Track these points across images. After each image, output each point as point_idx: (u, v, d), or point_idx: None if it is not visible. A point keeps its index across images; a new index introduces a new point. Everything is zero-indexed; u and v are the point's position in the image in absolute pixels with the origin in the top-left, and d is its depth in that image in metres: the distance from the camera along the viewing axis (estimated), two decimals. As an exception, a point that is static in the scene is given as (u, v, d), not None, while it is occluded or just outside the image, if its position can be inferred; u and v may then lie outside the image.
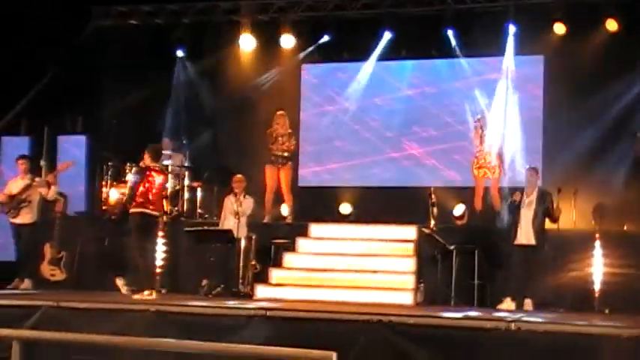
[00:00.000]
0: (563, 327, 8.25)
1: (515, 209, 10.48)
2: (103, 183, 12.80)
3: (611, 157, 12.42)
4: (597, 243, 10.45)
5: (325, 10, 13.75)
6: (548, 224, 10.73)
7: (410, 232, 11.38)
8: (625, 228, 11.34)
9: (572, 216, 11.71)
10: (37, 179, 11.81)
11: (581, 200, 11.94)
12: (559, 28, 12.84)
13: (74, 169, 12.19)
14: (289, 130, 12.60)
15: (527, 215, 10.41)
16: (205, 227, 11.87)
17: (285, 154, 12.44)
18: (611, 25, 12.57)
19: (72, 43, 13.77)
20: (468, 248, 10.81)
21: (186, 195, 12.90)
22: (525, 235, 10.40)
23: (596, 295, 10.28)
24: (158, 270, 11.35)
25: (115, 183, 12.44)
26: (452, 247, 10.83)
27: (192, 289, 11.32)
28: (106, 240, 12.06)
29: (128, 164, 12.60)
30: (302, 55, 14.19)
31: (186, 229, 11.90)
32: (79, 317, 9.06)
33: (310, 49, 14.09)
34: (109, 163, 12.52)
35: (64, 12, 13.42)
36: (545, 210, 10.50)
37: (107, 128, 13.91)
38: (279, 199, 12.68)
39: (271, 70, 14.22)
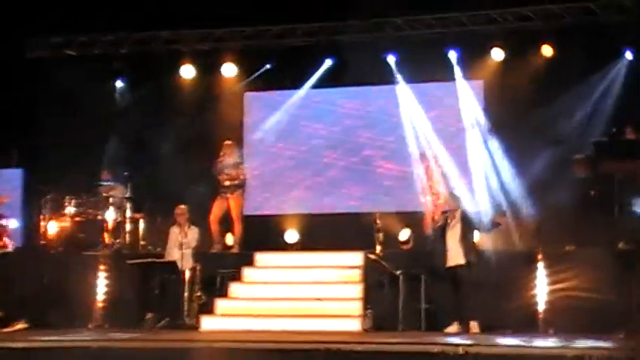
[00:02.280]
0: (508, 349, 8.28)
1: (441, 234, 10.55)
2: (41, 217, 12.58)
3: (552, 179, 12.48)
4: (540, 264, 10.53)
5: (266, 39, 13.82)
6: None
7: (356, 258, 11.32)
8: (566, 248, 11.34)
9: (514, 237, 11.81)
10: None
11: (523, 221, 12.12)
12: (497, 54, 13.09)
13: (9, 204, 12.02)
14: (238, 160, 12.51)
15: (453, 237, 10.46)
16: (149, 259, 11.66)
17: (236, 182, 12.31)
18: (547, 50, 12.85)
19: (5, 76, 13.57)
20: (415, 273, 10.76)
21: (129, 227, 12.71)
22: (454, 257, 10.43)
23: (541, 315, 10.42)
24: (100, 304, 11.33)
25: (53, 216, 12.26)
26: (398, 273, 10.77)
27: (135, 322, 11.09)
28: (44, 276, 11.70)
29: (67, 197, 12.50)
30: (244, 83, 14.24)
31: (129, 261, 11.65)
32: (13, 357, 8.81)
33: (252, 77, 14.14)
34: (47, 197, 12.35)
35: None
36: (470, 227, 10.54)
37: (45, 161, 13.73)
38: (226, 230, 12.55)
39: (213, 99, 14.23)
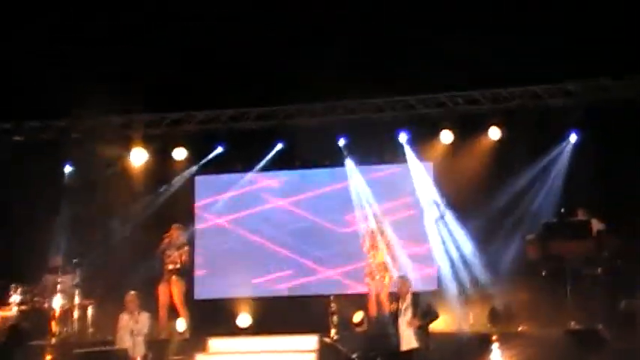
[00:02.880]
0: None
1: (394, 318, 10.40)
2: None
3: (503, 259, 12.60)
4: (494, 345, 10.46)
5: (218, 123, 13.85)
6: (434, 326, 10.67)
7: (311, 342, 11.05)
8: (519, 329, 11.42)
9: (470, 318, 11.87)
10: None
11: (475, 303, 12.19)
12: (446, 136, 13.21)
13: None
14: (183, 242, 12.34)
15: (404, 321, 10.30)
16: (98, 348, 11.27)
17: (177, 266, 12.15)
18: (495, 132, 13.02)
19: None
20: (370, 355, 10.66)
21: (77, 314, 12.39)
22: (407, 341, 10.26)
23: None
24: None
25: None
26: (354, 356, 10.70)
27: None
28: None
29: (13, 285, 12.17)
30: (195, 167, 14.18)
31: (77, 350, 11.15)
32: None
33: (203, 161, 14.11)
34: None
35: None
36: (422, 312, 10.37)
37: None
38: (175, 315, 12.27)
39: (164, 182, 14.13)
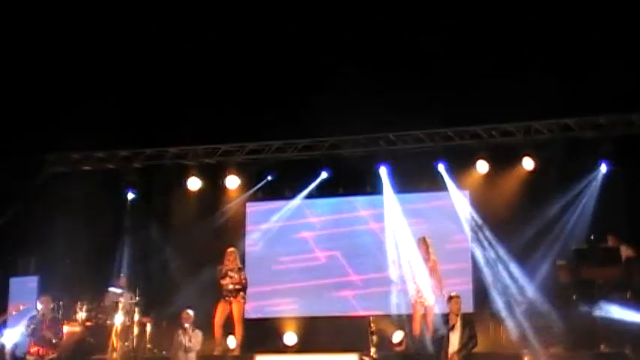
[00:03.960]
0: None
1: (442, 337, 10.61)
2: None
3: (535, 283, 12.55)
4: None
5: (267, 153, 13.97)
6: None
7: None
8: (551, 350, 11.32)
9: (503, 339, 11.89)
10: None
11: (511, 324, 12.05)
12: (482, 166, 13.25)
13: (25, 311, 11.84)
14: (239, 265, 12.55)
15: (453, 341, 10.51)
16: None
17: (238, 286, 12.33)
18: (528, 163, 12.99)
19: (25, 189, 13.78)
20: None
21: (137, 331, 12.61)
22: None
23: None
24: None
25: (65, 321, 12.18)
26: None
27: None
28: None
29: (79, 302, 12.51)
30: (246, 194, 14.32)
31: None
32: None
33: (254, 189, 14.27)
34: (60, 303, 12.27)
35: (19, 159, 13.50)
36: (470, 334, 10.60)
37: (59, 268, 13.71)
38: (228, 332, 12.46)
39: (217, 208, 14.28)
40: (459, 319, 10.69)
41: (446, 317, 10.81)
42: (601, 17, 12.14)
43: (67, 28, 13.09)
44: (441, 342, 10.66)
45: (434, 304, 11.80)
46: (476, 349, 11.18)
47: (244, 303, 12.50)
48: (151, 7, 12.96)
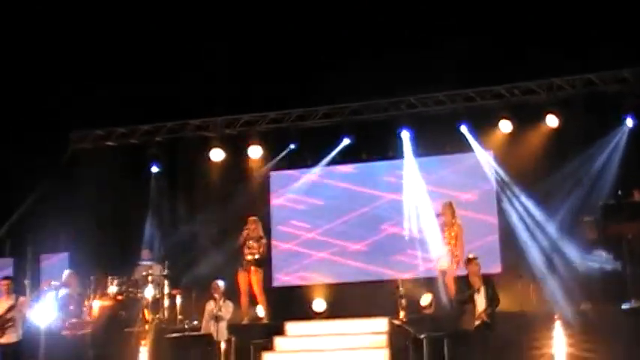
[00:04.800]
0: None
1: (468, 298, 10.60)
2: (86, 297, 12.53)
3: (564, 242, 12.50)
4: (557, 323, 10.38)
5: (288, 121, 13.99)
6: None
7: (381, 324, 11.34)
8: (582, 307, 11.24)
9: (533, 299, 11.73)
10: (20, 299, 11.56)
11: (541, 283, 12.05)
12: (505, 126, 13.13)
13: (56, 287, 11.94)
14: (261, 234, 12.60)
15: (479, 301, 10.51)
16: (186, 333, 11.70)
17: (256, 256, 12.42)
18: (552, 120, 12.90)
19: (51, 167, 13.84)
20: (437, 336, 10.68)
21: (167, 303, 12.75)
22: (479, 318, 10.46)
23: None
24: None
25: (97, 295, 12.25)
26: (422, 337, 10.73)
27: None
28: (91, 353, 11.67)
29: (110, 277, 12.53)
30: (270, 163, 14.33)
31: (168, 335, 11.70)
32: None
33: (277, 158, 14.24)
34: (91, 278, 12.33)
35: (44, 136, 13.60)
36: (492, 294, 10.58)
37: (89, 244, 13.80)
38: (255, 301, 12.56)
39: (241, 179, 14.33)
40: (480, 280, 10.66)
41: (467, 280, 10.80)
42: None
43: (90, 8, 13.12)
44: (466, 304, 10.66)
45: (456, 268, 11.81)
46: (507, 309, 11.25)
47: (262, 273, 12.57)
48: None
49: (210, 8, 13.21)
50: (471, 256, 11.10)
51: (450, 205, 12.19)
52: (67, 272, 11.86)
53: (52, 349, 11.33)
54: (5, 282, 11.67)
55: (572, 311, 10.93)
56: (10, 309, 11.33)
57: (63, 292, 11.53)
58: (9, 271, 12.98)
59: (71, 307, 11.39)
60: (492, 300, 10.58)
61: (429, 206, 12.82)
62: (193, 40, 13.20)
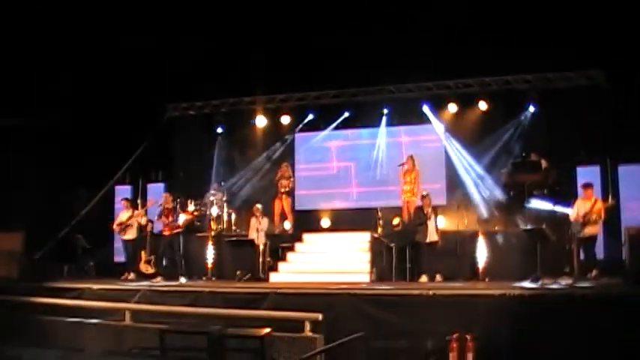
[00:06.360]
0: (460, 291, 8.33)
1: (424, 221, 10.72)
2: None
3: (489, 184, 12.65)
4: (480, 238, 10.69)
5: (309, 100, 13.88)
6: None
7: (366, 236, 11.32)
8: (496, 228, 11.55)
9: (465, 222, 11.94)
10: (135, 212, 11.96)
11: (471, 212, 12.21)
12: (452, 107, 13.14)
13: (157, 204, 12.03)
14: (290, 174, 12.66)
15: (431, 225, 10.64)
16: (237, 238, 11.90)
17: (287, 189, 12.52)
18: (483, 105, 12.87)
19: (154, 126, 13.85)
20: (402, 245, 10.83)
21: (226, 218, 12.87)
22: (431, 236, 10.62)
23: (480, 270, 10.48)
24: (210, 265, 11.59)
25: (182, 210, 12.12)
26: (392, 245, 10.88)
27: (230, 276, 11.31)
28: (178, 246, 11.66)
29: (189, 199, 12.72)
30: (296, 128, 14.15)
31: (226, 239, 12.03)
32: (163, 296, 9.14)
33: (301, 124, 14.08)
34: (178, 200, 12.21)
35: (149, 106, 13.54)
36: (438, 218, 10.81)
37: (177, 178, 13.93)
38: (284, 219, 12.70)
39: (277, 138, 14.17)
40: (431, 210, 10.71)
41: (422, 209, 10.80)
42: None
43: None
44: (421, 225, 10.66)
45: (416, 200, 11.71)
46: (449, 228, 11.41)
47: (291, 201, 12.60)
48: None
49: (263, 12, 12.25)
50: (424, 193, 11.11)
51: (411, 157, 12.04)
52: (164, 194, 11.92)
53: (155, 244, 11.73)
54: (125, 202, 12.15)
55: (491, 230, 11.15)
56: (130, 218, 11.80)
57: (161, 206, 11.58)
58: (128, 194, 13.17)
59: (167, 217, 11.45)
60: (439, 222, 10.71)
61: (401, 159, 12.53)
62: (245, 39, 12.61)
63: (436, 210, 11.02)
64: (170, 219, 11.42)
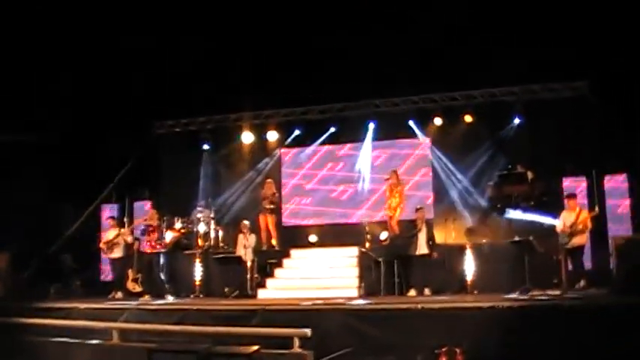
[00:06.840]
0: (449, 304, 8.30)
1: (415, 235, 10.69)
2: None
3: (475, 198, 12.73)
4: (468, 251, 10.66)
5: (296, 115, 13.89)
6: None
7: (353, 251, 11.33)
8: (484, 241, 11.54)
9: (453, 235, 11.98)
10: (122, 230, 11.88)
11: (458, 225, 12.23)
12: (438, 121, 13.19)
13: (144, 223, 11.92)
14: (274, 191, 12.58)
15: (422, 237, 10.62)
16: (225, 255, 11.81)
17: (272, 206, 12.39)
18: (468, 118, 12.94)
19: (141, 143, 13.78)
20: (390, 260, 10.80)
21: (213, 235, 12.73)
22: (421, 249, 10.59)
23: (468, 283, 10.48)
24: (198, 282, 11.49)
25: (168, 228, 12.24)
26: (380, 260, 10.85)
27: (219, 293, 11.28)
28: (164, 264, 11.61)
29: (176, 217, 12.66)
30: (282, 145, 14.21)
31: (214, 256, 11.94)
32: (150, 314, 9.00)
33: (287, 140, 14.11)
34: (164, 217, 12.25)
35: (135, 124, 13.48)
36: (430, 234, 10.76)
37: (163, 195, 13.83)
38: (270, 235, 12.54)
39: (263, 154, 14.24)
40: (424, 224, 10.74)
41: (414, 222, 10.77)
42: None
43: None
44: (412, 237, 10.61)
45: (399, 215, 11.71)
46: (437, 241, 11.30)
47: (275, 218, 12.46)
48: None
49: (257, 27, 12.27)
50: (419, 206, 11.15)
51: (395, 171, 12.02)
52: (150, 211, 11.85)
53: (141, 262, 11.58)
54: (111, 220, 12.06)
55: (479, 243, 11.16)
56: (116, 236, 11.66)
57: (147, 224, 11.52)
58: (115, 213, 13.11)
59: (153, 234, 11.41)
60: (430, 237, 10.67)
61: (383, 173, 12.55)
62: (232, 56, 12.65)
63: (429, 223, 11.06)
64: (154, 236, 11.35)
